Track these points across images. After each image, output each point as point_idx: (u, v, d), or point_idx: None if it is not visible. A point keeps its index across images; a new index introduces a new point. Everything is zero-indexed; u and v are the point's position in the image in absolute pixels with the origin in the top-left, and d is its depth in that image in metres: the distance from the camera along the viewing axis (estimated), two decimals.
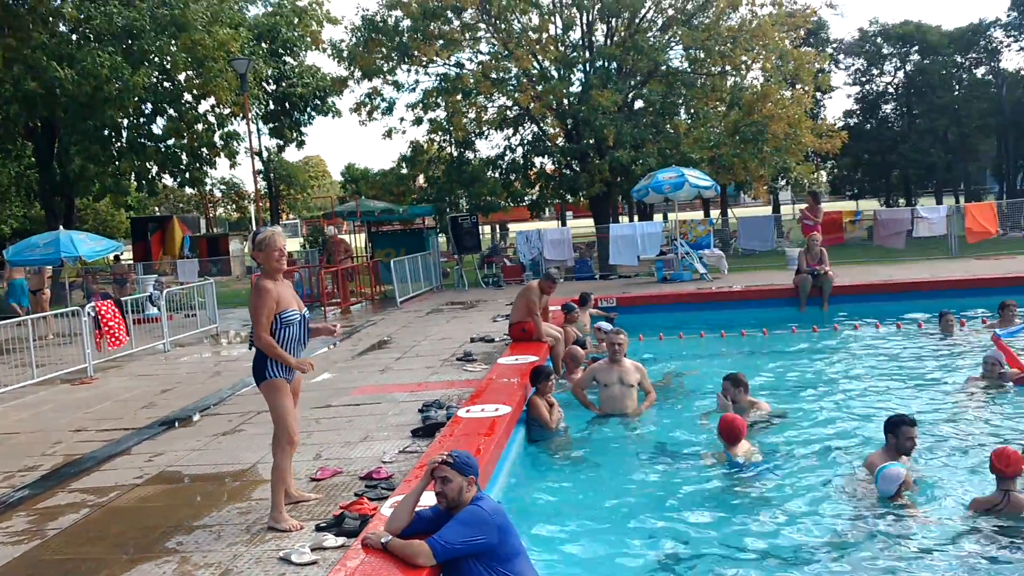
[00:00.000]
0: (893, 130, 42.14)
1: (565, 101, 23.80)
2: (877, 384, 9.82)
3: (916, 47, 41.57)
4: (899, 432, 6.22)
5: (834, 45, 42.14)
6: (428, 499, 4.77)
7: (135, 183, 28.70)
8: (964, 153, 41.29)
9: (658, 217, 33.73)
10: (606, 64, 24.24)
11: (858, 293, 15.12)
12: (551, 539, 5.83)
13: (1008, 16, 40.90)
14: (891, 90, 43.05)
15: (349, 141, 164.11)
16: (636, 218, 33.50)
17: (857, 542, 5.57)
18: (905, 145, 39.67)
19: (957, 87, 41.87)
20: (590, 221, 29.13)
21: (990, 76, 42.32)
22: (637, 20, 24.25)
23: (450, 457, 4.61)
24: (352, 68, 25.30)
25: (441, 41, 23.90)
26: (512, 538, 4.53)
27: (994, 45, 41.71)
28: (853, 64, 43.34)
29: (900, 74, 42.69)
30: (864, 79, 43.13)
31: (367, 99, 25.55)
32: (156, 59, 23.81)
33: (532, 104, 23.10)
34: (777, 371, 10.82)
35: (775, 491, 6.55)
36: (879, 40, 42.54)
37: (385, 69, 24.81)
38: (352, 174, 44.69)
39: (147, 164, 26.27)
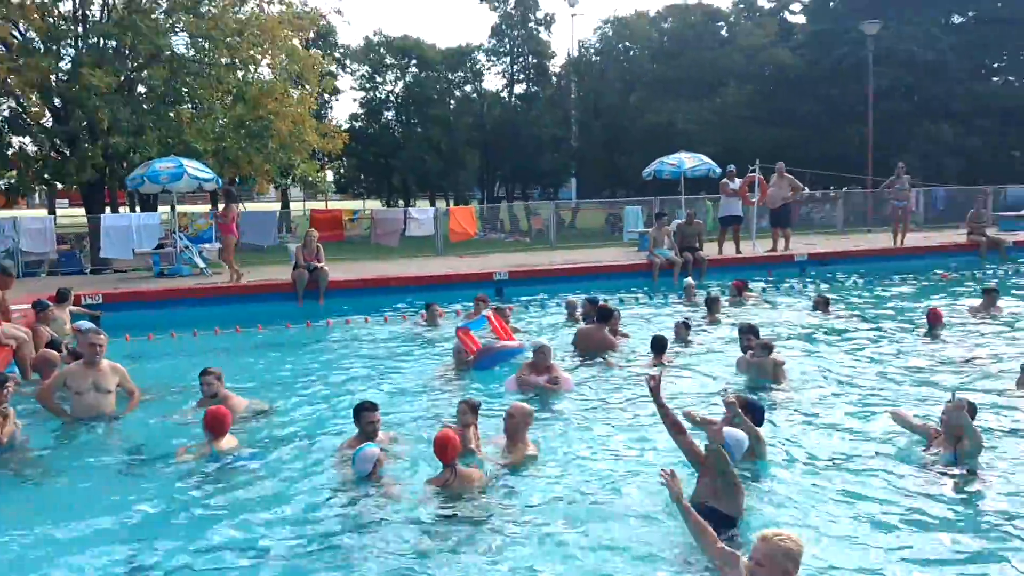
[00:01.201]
0: (394, 136, 44.53)
1: (52, 77, 21.44)
2: (365, 374, 10.40)
3: (415, 61, 44.60)
4: (361, 417, 6.77)
5: (341, 50, 43.65)
6: None
7: None
8: (454, 162, 45.51)
9: (164, 208, 32.10)
10: (101, 42, 22.34)
11: (354, 288, 16.00)
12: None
13: (489, 43, 46.10)
14: (392, 98, 45.57)
15: None
16: (139, 209, 31.42)
17: (340, 521, 5.92)
18: (404, 151, 42.52)
19: (450, 102, 45.86)
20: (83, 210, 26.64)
21: (475, 95, 47.33)
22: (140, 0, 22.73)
23: None
24: None
25: None
26: None
27: (478, 67, 46.64)
28: (359, 70, 45.25)
29: (401, 84, 45.38)
30: (369, 86, 45.04)
31: None
32: None
33: (11, 77, 20.37)
34: (270, 366, 11.03)
35: (259, 481, 6.69)
36: (382, 51, 44.95)
37: None
38: None
39: None
